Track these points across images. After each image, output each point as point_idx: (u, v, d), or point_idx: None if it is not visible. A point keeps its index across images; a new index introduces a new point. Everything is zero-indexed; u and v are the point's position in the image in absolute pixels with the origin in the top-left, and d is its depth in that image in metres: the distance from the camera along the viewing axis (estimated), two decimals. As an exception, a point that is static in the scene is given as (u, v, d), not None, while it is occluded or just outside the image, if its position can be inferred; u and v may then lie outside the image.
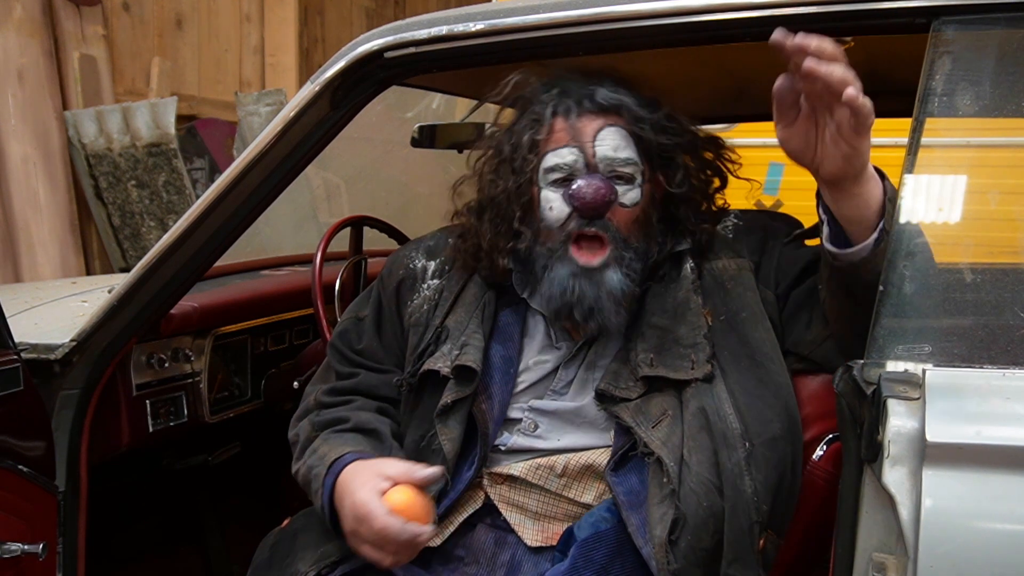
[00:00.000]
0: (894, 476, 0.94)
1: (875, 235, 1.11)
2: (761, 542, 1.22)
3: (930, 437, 0.92)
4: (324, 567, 1.33)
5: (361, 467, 1.26)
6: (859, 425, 1.00)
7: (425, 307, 1.40)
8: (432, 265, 1.44)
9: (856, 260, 1.13)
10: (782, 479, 1.24)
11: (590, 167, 1.28)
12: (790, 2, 1.14)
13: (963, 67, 1.05)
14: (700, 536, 1.19)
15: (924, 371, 0.97)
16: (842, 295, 1.20)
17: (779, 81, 1.07)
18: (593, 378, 1.33)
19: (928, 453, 0.92)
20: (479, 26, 1.27)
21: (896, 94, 1.60)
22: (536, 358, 1.36)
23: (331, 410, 1.41)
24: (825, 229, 1.16)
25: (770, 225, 1.40)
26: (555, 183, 1.29)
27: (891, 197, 1.11)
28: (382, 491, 1.21)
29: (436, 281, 1.42)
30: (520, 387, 1.35)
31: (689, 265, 1.34)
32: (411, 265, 1.45)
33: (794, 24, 1.15)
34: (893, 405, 0.95)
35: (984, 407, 0.94)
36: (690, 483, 1.21)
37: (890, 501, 0.95)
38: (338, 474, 1.28)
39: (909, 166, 1.04)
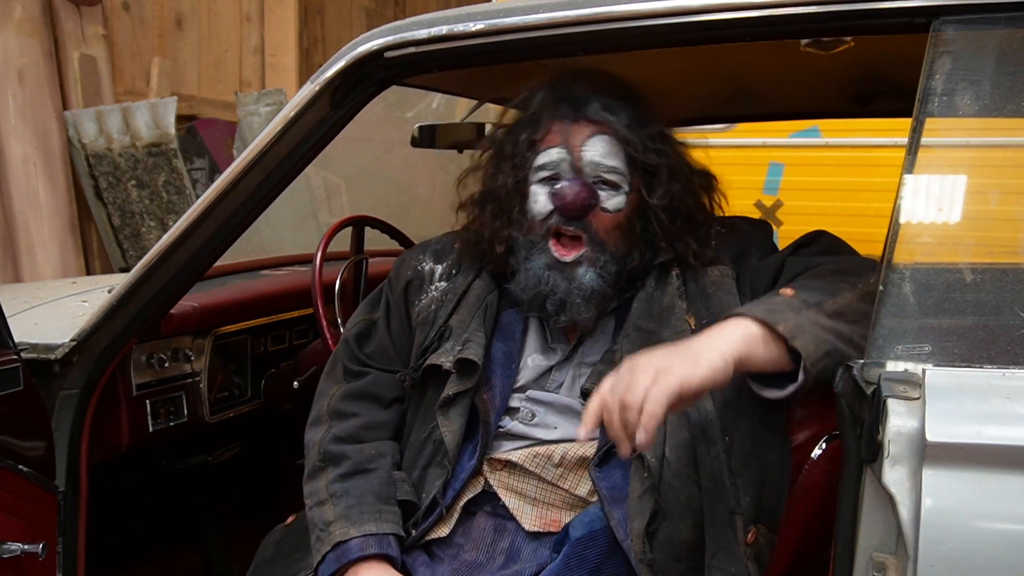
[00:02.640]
0: (894, 476, 0.94)
1: (800, 375, 1.12)
2: (750, 536, 1.23)
3: (930, 437, 0.92)
4: None
5: None
6: (859, 425, 1.00)
7: (432, 307, 1.45)
8: (439, 268, 1.49)
9: (802, 391, 1.14)
10: (766, 472, 1.26)
11: (576, 169, 1.33)
12: (790, 2, 1.14)
13: (963, 67, 1.05)
14: (678, 528, 1.22)
15: (924, 371, 0.97)
16: None
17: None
18: (580, 375, 1.37)
19: (928, 453, 0.92)
20: (479, 26, 1.27)
21: (896, 94, 1.61)
22: (534, 356, 1.40)
23: (344, 422, 1.44)
24: (750, 381, 1.19)
25: (750, 233, 1.43)
26: (543, 180, 1.35)
27: (789, 335, 1.11)
28: None
29: (443, 283, 1.47)
30: (518, 383, 1.39)
31: (675, 272, 1.37)
32: (419, 267, 1.50)
33: (794, 24, 1.16)
34: (893, 405, 0.95)
35: (984, 407, 0.94)
36: (669, 477, 1.24)
37: (890, 501, 0.95)
38: (344, 564, 1.31)
39: (909, 166, 1.04)
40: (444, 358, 1.37)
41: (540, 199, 1.35)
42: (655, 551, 1.21)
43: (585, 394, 1.32)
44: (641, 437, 1.05)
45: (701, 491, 1.22)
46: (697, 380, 1.07)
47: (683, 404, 1.09)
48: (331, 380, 1.51)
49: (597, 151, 1.33)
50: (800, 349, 1.10)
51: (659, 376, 1.06)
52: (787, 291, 1.21)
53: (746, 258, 1.38)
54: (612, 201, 1.33)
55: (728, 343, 1.11)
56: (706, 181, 1.43)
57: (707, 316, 1.33)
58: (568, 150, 1.33)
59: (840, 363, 1.07)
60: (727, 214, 1.48)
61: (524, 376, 1.39)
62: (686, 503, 1.22)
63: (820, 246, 1.36)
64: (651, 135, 1.35)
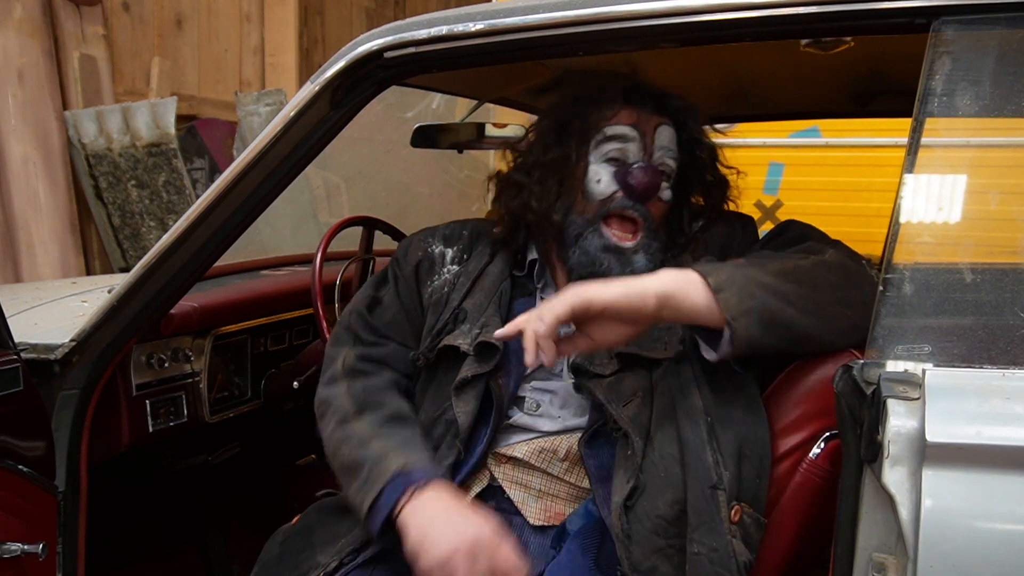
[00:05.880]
0: (894, 476, 0.94)
1: (726, 335, 1.16)
2: (734, 514, 1.23)
3: (930, 437, 0.92)
4: (345, 556, 1.36)
5: (456, 501, 1.23)
6: (859, 425, 1.00)
7: (445, 289, 1.46)
8: (450, 252, 1.50)
9: (735, 352, 1.19)
10: (742, 446, 1.27)
11: (647, 153, 1.37)
12: (790, 2, 1.14)
13: (963, 67, 1.05)
14: (656, 503, 1.23)
15: (924, 371, 0.97)
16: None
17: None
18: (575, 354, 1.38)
19: (928, 453, 0.92)
20: (479, 26, 1.27)
21: (896, 94, 1.61)
22: None
23: (366, 379, 1.42)
24: (700, 343, 1.25)
25: (736, 228, 1.47)
26: (607, 160, 1.37)
27: (716, 287, 1.16)
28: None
29: (455, 267, 1.49)
30: (528, 369, 1.39)
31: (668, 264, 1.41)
32: (429, 250, 1.51)
33: (794, 24, 1.16)
34: (893, 405, 0.95)
35: (984, 407, 0.94)
36: (652, 456, 1.26)
37: (890, 501, 0.95)
38: (405, 490, 1.23)
39: (909, 166, 1.04)
40: (461, 340, 1.38)
41: (604, 178, 1.37)
42: (631, 523, 1.23)
43: (575, 369, 1.34)
44: (537, 328, 1.14)
45: (683, 468, 1.24)
46: (606, 297, 1.14)
47: (591, 317, 1.16)
48: (341, 345, 1.48)
49: (666, 139, 1.38)
50: (721, 302, 1.14)
51: (568, 293, 1.15)
52: (737, 260, 1.26)
53: (731, 253, 1.40)
54: (666, 192, 1.39)
55: (658, 280, 1.17)
56: (722, 190, 1.49)
57: None
58: (641, 133, 1.37)
59: (777, 322, 1.14)
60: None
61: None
62: (665, 479, 1.24)
63: (791, 235, 1.38)
64: (701, 141, 1.43)
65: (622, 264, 1.35)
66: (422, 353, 1.43)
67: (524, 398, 1.40)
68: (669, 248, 1.42)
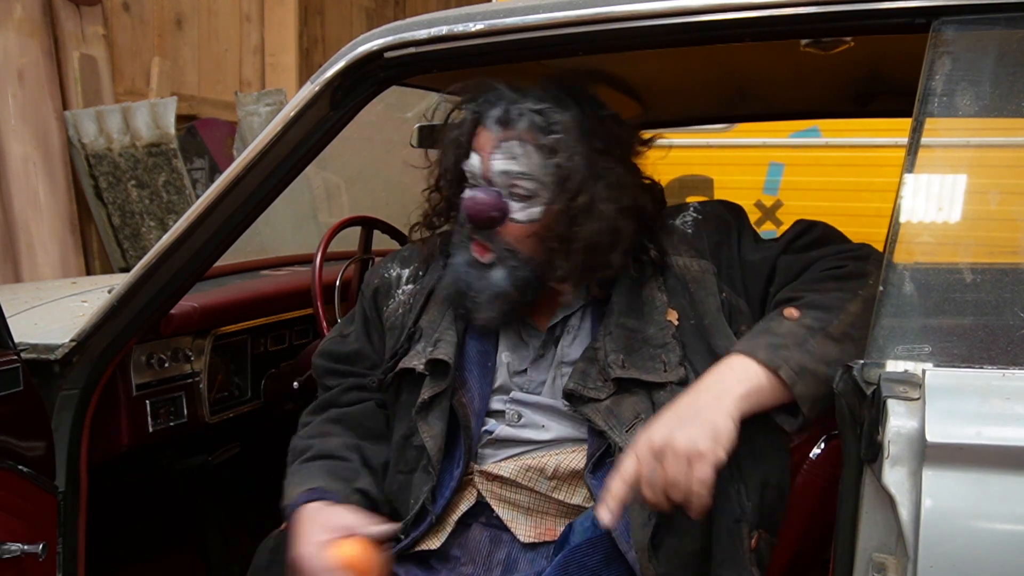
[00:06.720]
0: (894, 476, 0.94)
1: (800, 417, 1.16)
2: (753, 542, 1.21)
3: (930, 437, 0.92)
4: None
5: (312, 515, 1.30)
6: (859, 425, 1.00)
7: (400, 311, 1.45)
8: (406, 273, 1.48)
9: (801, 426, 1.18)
10: (767, 476, 1.24)
11: (486, 179, 1.30)
12: (790, 2, 1.14)
13: (963, 67, 1.05)
14: (683, 539, 1.20)
15: (924, 371, 0.97)
16: None
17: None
18: (562, 375, 1.33)
19: (928, 453, 0.92)
20: (479, 26, 1.27)
21: (896, 94, 1.61)
22: (506, 353, 1.38)
23: (305, 429, 1.49)
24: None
25: (725, 218, 1.38)
26: (470, 186, 1.33)
27: (789, 381, 1.13)
28: (327, 543, 1.25)
29: (410, 287, 1.47)
30: (496, 383, 1.36)
31: (651, 264, 1.34)
32: (386, 275, 1.50)
33: (794, 24, 1.16)
34: (893, 405, 0.95)
35: (984, 407, 0.94)
36: None
37: (890, 501, 0.95)
38: (291, 516, 1.32)
39: (909, 166, 1.04)
40: (416, 360, 1.35)
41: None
42: (662, 564, 1.19)
43: (568, 395, 1.29)
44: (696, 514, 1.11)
45: None
46: (722, 456, 1.10)
47: None
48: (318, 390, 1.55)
49: (504, 160, 1.28)
50: (798, 397, 1.13)
51: (693, 464, 1.08)
52: (792, 312, 1.19)
53: (726, 249, 1.34)
54: (524, 212, 1.29)
55: (734, 402, 1.13)
56: (636, 184, 1.35)
57: (693, 316, 1.29)
58: (481, 159, 1.30)
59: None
60: None
61: (500, 375, 1.36)
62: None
63: (811, 238, 1.32)
64: (565, 142, 1.27)
65: (479, 278, 1.30)
66: (378, 376, 1.42)
67: (503, 412, 1.35)
68: (595, 268, 1.30)
